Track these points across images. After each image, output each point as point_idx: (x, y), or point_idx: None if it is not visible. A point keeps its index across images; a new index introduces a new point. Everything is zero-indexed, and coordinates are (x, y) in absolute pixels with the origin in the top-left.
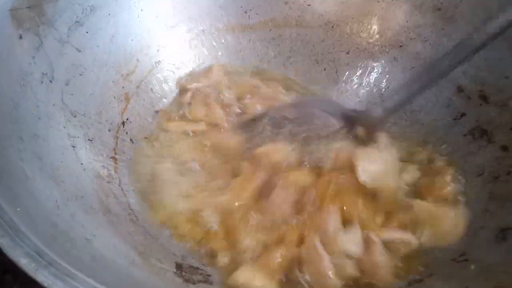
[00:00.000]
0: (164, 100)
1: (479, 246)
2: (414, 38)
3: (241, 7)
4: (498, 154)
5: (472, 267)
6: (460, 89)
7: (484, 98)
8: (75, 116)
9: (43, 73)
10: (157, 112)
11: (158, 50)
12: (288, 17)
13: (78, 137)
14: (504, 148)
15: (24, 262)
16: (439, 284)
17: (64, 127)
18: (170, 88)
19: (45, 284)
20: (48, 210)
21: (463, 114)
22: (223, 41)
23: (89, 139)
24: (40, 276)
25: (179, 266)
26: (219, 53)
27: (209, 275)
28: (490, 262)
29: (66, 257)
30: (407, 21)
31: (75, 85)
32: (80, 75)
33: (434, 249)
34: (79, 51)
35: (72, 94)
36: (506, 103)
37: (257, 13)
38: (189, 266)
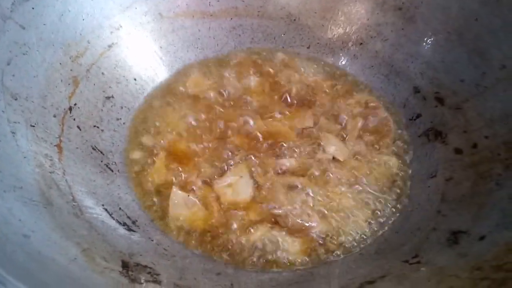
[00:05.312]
0: (116, 86)
1: (432, 248)
2: (375, 36)
3: None
4: (451, 157)
5: (423, 269)
6: (416, 90)
7: (440, 100)
8: (16, 100)
9: None
10: (108, 98)
11: (111, 32)
12: (250, 7)
13: (18, 122)
14: (458, 150)
15: None
16: (391, 287)
17: (3, 111)
18: (123, 74)
19: None
20: None
21: (418, 115)
22: (181, 27)
23: (31, 125)
24: None
25: (125, 265)
26: (177, 40)
27: (158, 274)
28: (442, 265)
29: None
30: (368, 19)
31: (17, 65)
32: (24, 54)
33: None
34: (23, 28)
35: (13, 75)
36: (461, 106)
37: (218, 0)
38: (136, 264)
